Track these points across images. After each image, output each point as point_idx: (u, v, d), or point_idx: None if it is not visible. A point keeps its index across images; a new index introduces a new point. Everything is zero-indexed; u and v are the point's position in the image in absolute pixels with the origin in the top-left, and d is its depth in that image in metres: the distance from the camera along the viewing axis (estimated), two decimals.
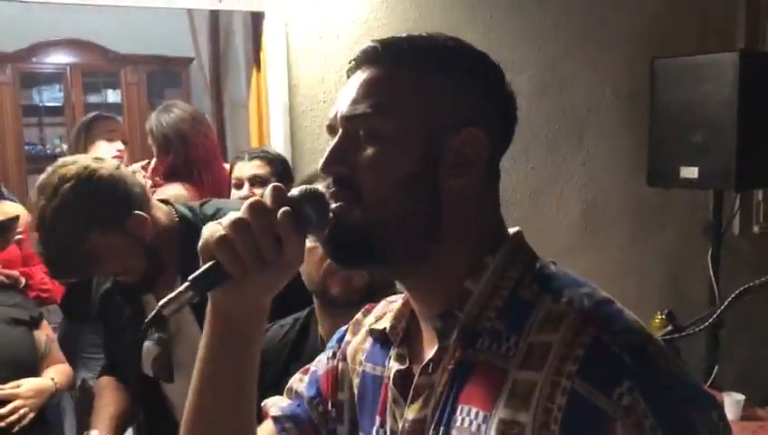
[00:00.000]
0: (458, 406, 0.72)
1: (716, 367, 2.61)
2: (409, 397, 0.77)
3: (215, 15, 3.14)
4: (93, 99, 5.18)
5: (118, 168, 1.51)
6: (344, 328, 0.95)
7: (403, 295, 0.86)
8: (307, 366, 0.95)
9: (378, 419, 0.83)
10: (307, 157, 2.45)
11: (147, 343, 1.57)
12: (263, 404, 0.90)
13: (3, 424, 1.86)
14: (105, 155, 2.65)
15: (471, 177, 0.75)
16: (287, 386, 0.94)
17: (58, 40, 4.91)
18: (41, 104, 5.17)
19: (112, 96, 5.25)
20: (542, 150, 2.86)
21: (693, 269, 3.10)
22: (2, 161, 4.73)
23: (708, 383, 2.56)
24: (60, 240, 1.41)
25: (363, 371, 0.88)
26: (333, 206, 0.74)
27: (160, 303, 0.70)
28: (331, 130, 0.78)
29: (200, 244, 0.73)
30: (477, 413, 0.70)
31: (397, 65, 0.76)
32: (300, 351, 1.36)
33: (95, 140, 2.67)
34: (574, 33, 2.84)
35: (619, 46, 2.92)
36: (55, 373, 2.06)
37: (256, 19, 2.48)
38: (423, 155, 0.73)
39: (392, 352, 0.83)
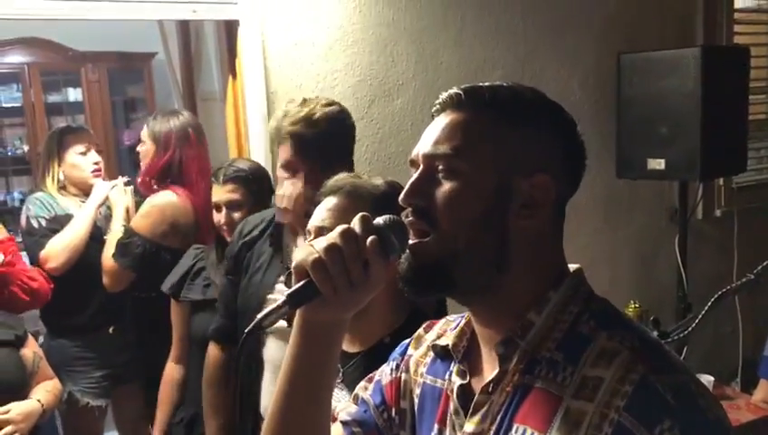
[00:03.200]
0: (513, 425, 0.79)
1: (685, 348, 2.74)
2: (469, 411, 0.85)
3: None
4: (54, 98, 5.08)
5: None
6: (406, 342, 1.03)
7: (463, 315, 0.94)
8: (370, 375, 1.04)
9: (436, 426, 0.90)
10: None
11: (280, 285, 1.73)
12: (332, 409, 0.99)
13: None
14: (81, 169, 2.64)
15: (538, 218, 0.82)
16: (353, 393, 1.03)
17: (13, 39, 4.78)
18: None
19: (73, 95, 5.15)
20: None
21: (660, 254, 3.23)
22: None
23: None
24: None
25: (424, 382, 0.96)
26: (411, 242, 0.82)
27: (259, 316, 0.80)
28: (413, 164, 0.86)
29: (294, 263, 0.81)
30: (532, 434, 0.77)
31: (478, 112, 0.83)
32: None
33: (69, 153, 2.63)
34: (542, 32, 2.90)
35: (586, 43, 3.00)
36: (42, 394, 2.06)
37: (230, 26, 2.47)
38: (494, 195, 0.81)
39: (453, 368, 0.91)
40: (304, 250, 0.80)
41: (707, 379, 2.52)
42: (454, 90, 0.85)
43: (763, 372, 2.52)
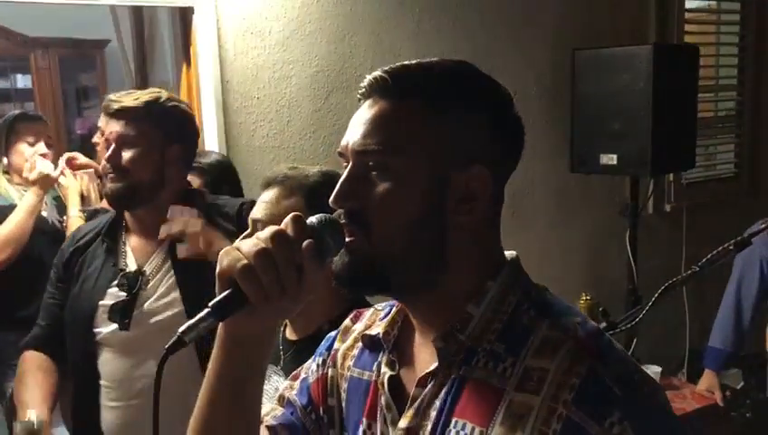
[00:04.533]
0: (452, 419, 0.76)
1: (634, 340, 2.80)
2: (406, 406, 0.80)
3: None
4: (1, 84, 4.93)
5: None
6: (333, 334, 0.97)
7: (393, 303, 0.89)
8: (295, 373, 0.98)
9: (365, 420, 0.86)
10: (244, 153, 2.43)
11: (113, 289, 1.66)
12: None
13: None
14: (26, 158, 2.55)
15: (477, 212, 0.77)
16: (278, 395, 0.97)
17: None
18: None
19: (22, 81, 5.01)
20: None
21: (611, 248, 3.30)
22: None
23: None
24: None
25: (351, 375, 0.91)
26: (347, 240, 0.77)
27: (181, 329, 0.71)
28: (342, 156, 0.80)
29: (218, 269, 0.73)
30: (473, 429, 0.73)
31: (406, 100, 0.77)
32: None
33: (18, 142, 2.55)
34: (499, 27, 2.92)
35: (542, 39, 3.03)
36: None
37: (184, 13, 2.43)
38: (431, 192, 0.76)
39: (383, 358, 0.86)
40: (230, 255, 0.72)
41: (655, 370, 2.58)
42: (379, 72, 0.78)
43: (707, 362, 2.60)
